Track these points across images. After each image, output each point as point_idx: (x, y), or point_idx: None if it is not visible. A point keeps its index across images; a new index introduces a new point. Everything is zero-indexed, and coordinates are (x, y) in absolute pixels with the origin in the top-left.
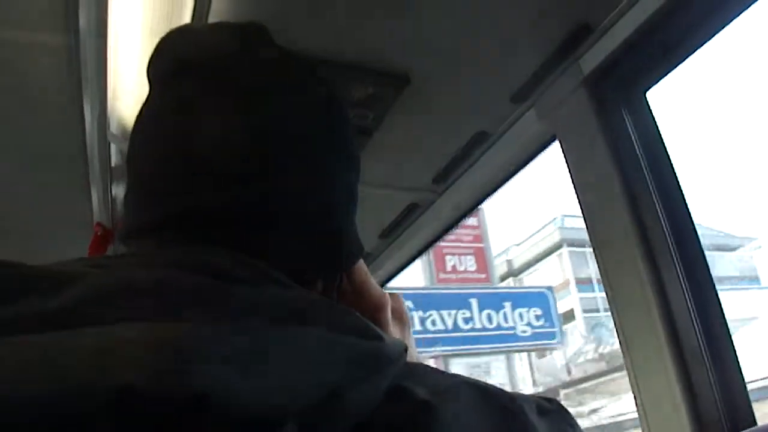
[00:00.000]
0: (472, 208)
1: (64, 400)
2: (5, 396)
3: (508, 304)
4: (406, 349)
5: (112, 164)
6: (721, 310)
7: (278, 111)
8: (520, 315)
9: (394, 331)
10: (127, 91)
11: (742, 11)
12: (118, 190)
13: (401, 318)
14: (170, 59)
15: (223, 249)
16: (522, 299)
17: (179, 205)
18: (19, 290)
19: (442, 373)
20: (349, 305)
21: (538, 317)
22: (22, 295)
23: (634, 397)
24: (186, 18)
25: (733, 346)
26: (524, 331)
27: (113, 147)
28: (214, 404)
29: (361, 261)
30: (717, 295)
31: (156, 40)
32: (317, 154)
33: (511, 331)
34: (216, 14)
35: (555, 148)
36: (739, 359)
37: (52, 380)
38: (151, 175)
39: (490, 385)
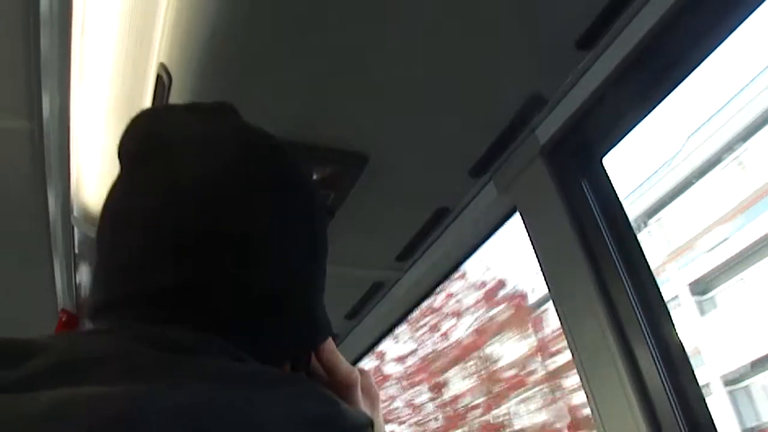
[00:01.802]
0: (438, 284)
1: None
2: None
3: None
4: (372, 424)
5: (76, 250)
6: (692, 371)
7: (246, 194)
8: None
9: (364, 407)
10: (90, 175)
11: (691, 72)
12: (82, 275)
13: (371, 394)
14: (139, 139)
15: (186, 327)
16: None
17: (144, 284)
18: None
19: None
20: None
21: None
22: None
23: None
24: (147, 102)
25: (709, 412)
26: None
27: (77, 232)
28: None
29: (329, 339)
30: (687, 358)
31: (119, 126)
32: (283, 237)
33: None
34: (176, 97)
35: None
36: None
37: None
38: (116, 252)
39: None
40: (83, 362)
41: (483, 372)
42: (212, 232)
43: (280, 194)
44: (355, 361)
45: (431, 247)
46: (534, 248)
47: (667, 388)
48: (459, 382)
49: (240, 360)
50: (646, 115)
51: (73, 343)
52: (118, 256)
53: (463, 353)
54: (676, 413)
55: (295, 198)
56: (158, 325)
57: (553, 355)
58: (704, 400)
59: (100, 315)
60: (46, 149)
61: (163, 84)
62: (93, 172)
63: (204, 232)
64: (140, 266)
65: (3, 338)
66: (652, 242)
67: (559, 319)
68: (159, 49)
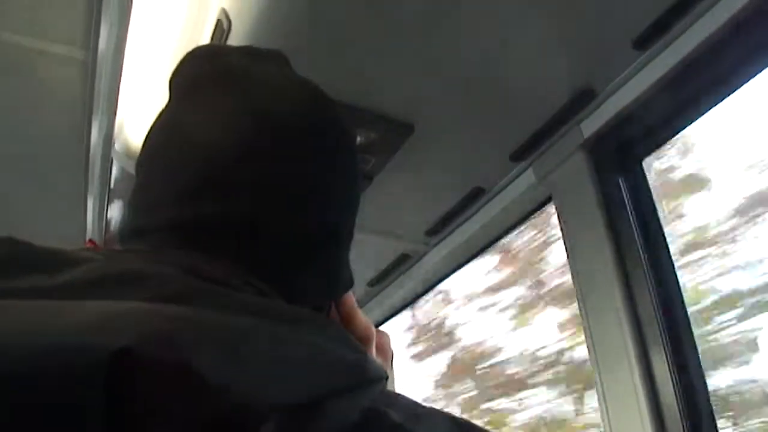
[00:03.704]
0: (463, 263)
1: (61, 356)
2: (5, 344)
3: None
4: (387, 377)
5: (112, 185)
6: (704, 380)
7: (291, 133)
8: None
9: None
10: (137, 111)
11: (741, 86)
12: (114, 211)
13: (385, 353)
14: (193, 72)
15: (221, 260)
16: None
17: (183, 212)
18: (27, 266)
19: (420, 403)
20: None
21: None
22: (26, 271)
23: None
24: None
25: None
26: None
27: (115, 167)
28: (203, 381)
29: (350, 292)
30: (701, 367)
31: (172, 66)
32: (324, 180)
33: None
34: (234, 43)
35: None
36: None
37: (53, 335)
38: (159, 179)
39: (467, 420)
40: (124, 276)
41: None
42: (254, 172)
43: (328, 144)
44: None
45: (462, 225)
46: (564, 239)
47: (677, 391)
48: None
49: (269, 296)
50: (692, 122)
51: (111, 258)
52: (159, 184)
53: None
54: (682, 416)
55: (340, 150)
56: (192, 254)
57: None
58: (712, 409)
59: (134, 239)
60: (97, 81)
61: (222, 29)
62: (140, 109)
63: (252, 169)
64: (176, 196)
65: (44, 246)
66: None
67: (580, 312)
68: None
